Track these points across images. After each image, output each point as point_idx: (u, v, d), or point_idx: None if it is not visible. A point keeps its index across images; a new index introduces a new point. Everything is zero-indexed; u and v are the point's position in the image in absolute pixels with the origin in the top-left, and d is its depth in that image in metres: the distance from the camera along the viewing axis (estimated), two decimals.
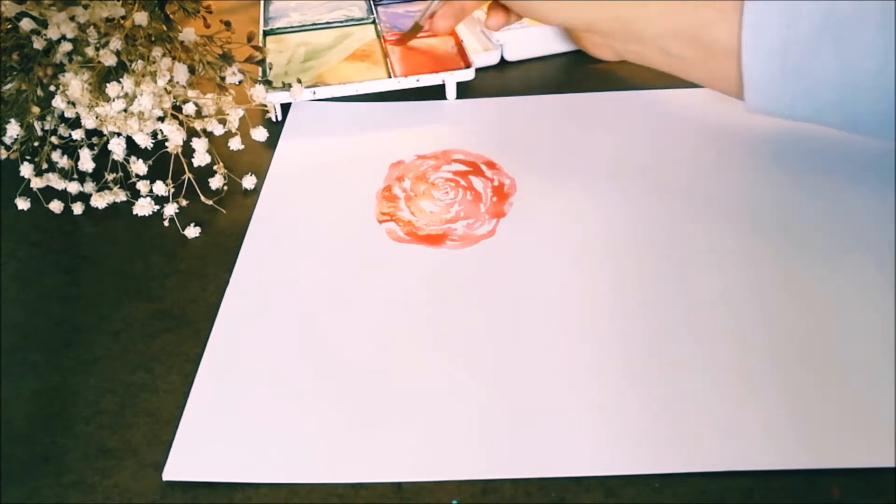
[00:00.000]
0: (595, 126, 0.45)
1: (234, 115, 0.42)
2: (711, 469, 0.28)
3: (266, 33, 0.54)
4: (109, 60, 0.39)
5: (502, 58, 0.53)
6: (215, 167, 0.42)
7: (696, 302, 0.34)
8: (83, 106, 0.40)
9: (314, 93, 0.47)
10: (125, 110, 0.39)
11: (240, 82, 0.44)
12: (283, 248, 0.38)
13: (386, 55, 0.51)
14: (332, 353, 0.33)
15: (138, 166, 0.41)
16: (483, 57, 0.52)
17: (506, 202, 0.40)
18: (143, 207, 0.41)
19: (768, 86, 0.37)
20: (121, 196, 0.42)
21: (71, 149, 0.42)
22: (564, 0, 0.41)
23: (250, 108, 0.44)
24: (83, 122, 0.40)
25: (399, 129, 0.47)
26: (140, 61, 0.40)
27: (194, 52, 0.44)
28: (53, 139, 0.42)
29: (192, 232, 0.40)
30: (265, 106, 0.44)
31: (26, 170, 0.41)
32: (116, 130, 0.40)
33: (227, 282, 0.37)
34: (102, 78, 0.40)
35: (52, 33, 0.40)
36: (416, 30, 0.49)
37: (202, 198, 0.41)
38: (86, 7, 0.41)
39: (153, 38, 0.43)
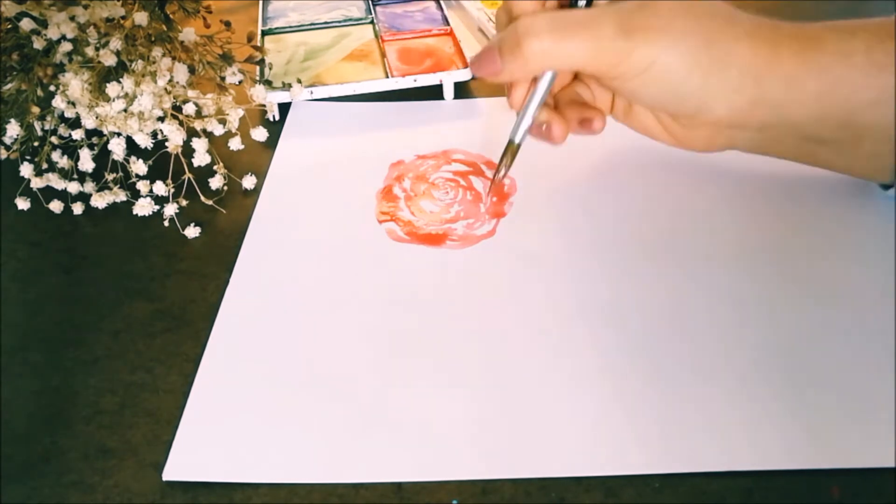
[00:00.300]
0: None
1: (234, 115, 0.42)
2: (711, 469, 0.28)
3: (264, 33, 0.54)
4: (109, 60, 0.39)
5: None
6: (215, 167, 0.42)
7: (696, 301, 0.34)
8: (83, 106, 0.40)
9: (311, 93, 0.47)
10: (125, 110, 0.39)
11: (240, 82, 0.44)
12: (283, 248, 0.38)
13: (384, 55, 0.51)
14: (331, 353, 0.33)
15: (138, 166, 0.41)
16: None
17: (506, 202, 0.40)
18: (143, 207, 0.41)
19: None
20: (121, 196, 0.42)
21: (71, 149, 0.42)
22: (705, 87, 0.33)
23: (250, 108, 0.44)
24: (83, 122, 0.40)
25: (399, 129, 0.47)
26: (140, 61, 0.40)
27: (194, 52, 0.44)
28: (53, 139, 0.42)
29: (192, 232, 0.40)
30: (265, 106, 0.44)
31: (26, 170, 0.41)
32: (116, 130, 0.40)
33: (227, 282, 0.37)
34: (102, 78, 0.40)
35: (52, 33, 0.40)
36: (513, 152, 0.38)
37: (202, 198, 0.41)
38: (86, 7, 0.41)
39: (153, 38, 0.43)
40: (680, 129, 0.38)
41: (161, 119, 0.40)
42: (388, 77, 0.48)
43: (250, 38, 0.48)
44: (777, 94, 0.33)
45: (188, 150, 0.41)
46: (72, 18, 0.40)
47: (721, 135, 0.37)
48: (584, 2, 0.34)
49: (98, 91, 0.40)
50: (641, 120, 0.39)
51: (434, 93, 0.49)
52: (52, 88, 0.41)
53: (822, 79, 0.33)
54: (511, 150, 0.37)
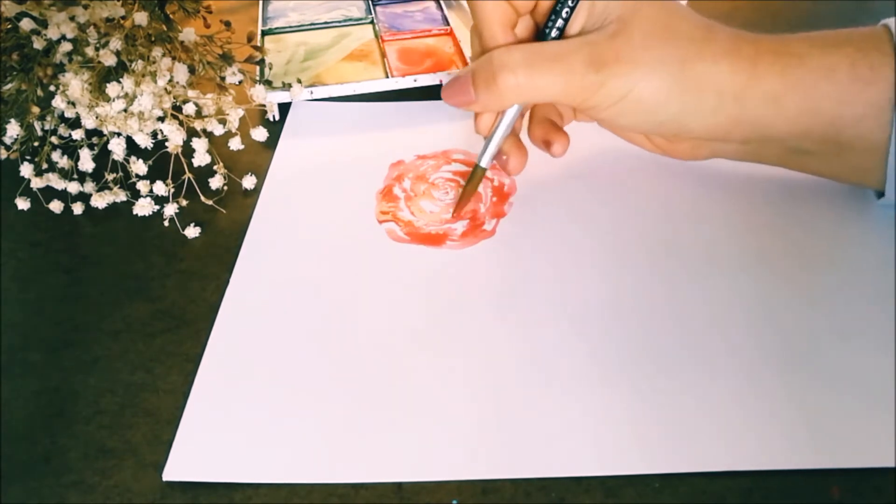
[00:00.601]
0: (596, 125, 0.45)
1: (234, 115, 0.42)
2: (711, 469, 0.28)
3: (264, 33, 0.54)
4: (109, 60, 0.39)
5: None
6: (215, 167, 0.42)
7: (697, 301, 0.34)
8: (83, 106, 0.40)
9: (311, 93, 0.47)
10: (125, 110, 0.39)
11: (240, 82, 0.44)
12: (284, 248, 0.38)
13: (384, 55, 0.51)
14: (331, 353, 0.33)
15: (138, 166, 0.41)
16: None
17: (506, 202, 0.40)
18: (143, 207, 0.41)
19: None
20: (121, 196, 0.42)
21: (71, 149, 0.42)
22: (683, 111, 0.33)
23: (250, 108, 0.44)
24: (83, 122, 0.40)
25: (399, 129, 0.47)
26: (140, 61, 0.40)
27: (194, 52, 0.44)
28: (53, 139, 0.42)
29: (192, 232, 0.40)
30: (265, 106, 0.44)
31: (26, 170, 0.41)
32: (116, 130, 0.40)
33: (227, 282, 0.37)
34: (102, 78, 0.40)
35: (52, 33, 0.40)
36: (479, 177, 0.39)
37: (202, 198, 0.41)
38: (86, 7, 0.41)
39: (153, 38, 0.43)
40: (663, 142, 0.39)
41: (161, 119, 0.40)
42: (388, 77, 0.48)
43: (250, 38, 0.48)
44: (758, 111, 0.33)
45: (188, 150, 0.41)
46: (72, 18, 0.40)
47: (704, 147, 0.38)
48: (557, 32, 0.34)
49: (98, 91, 0.40)
50: (625, 133, 0.40)
51: (434, 93, 0.49)
52: (52, 88, 0.41)
53: (805, 95, 0.33)
54: (478, 174, 0.38)
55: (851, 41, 0.33)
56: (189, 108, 0.41)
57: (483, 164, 0.38)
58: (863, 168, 0.35)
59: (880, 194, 0.36)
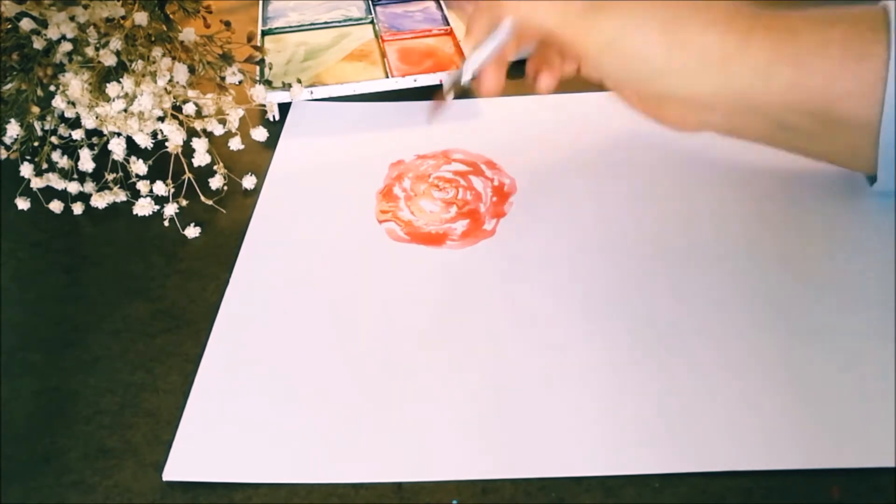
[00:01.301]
0: (596, 125, 0.45)
1: (234, 115, 0.42)
2: (711, 469, 0.28)
3: (264, 33, 0.54)
4: (109, 60, 0.39)
5: None
6: (215, 167, 0.42)
7: (696, 302, 0.34)
8: (83, 106, 0.40)
9: (311, 93, 0.47)
10: (125, 110, 0.39)
11: (240, 82, 0.44)
12: (283, 248, 0.38)
13: (384, 55, 0.51)
14: (331, 353, 0.33)
15: (138, 166, 0.41)
16: None
17: (506, 202, 0.40)
18: (143, 207, 0.41)
19: None
20: (121, 196, 0.42)
21: (71, 149, 0.42)
22: (666, 69, 0.34)
23: (250, 108, 0.44)
24: (83, 122, 0.40)
25: (399, 129, 0.47)
26: (140, 61, 0.40)
27: (194, 52, 0.44)
28: (53, 139, 0.42)
29: (192, 232, 0.40)
30: (265, 106, 0.44)
31: (26, 170, 0.41)
32: (116, 130, 0.40)
33: (227, 282, 0.37)
34: (102, 78, 0.40)
35: (52, 33, 0.40)
36: (453, 84, 0.39)
37: (202, 198, 0.41)
38: (86, 7, 0.41)
39: (153, 38, 0.43)
40: (653, 106, 0.39)
41: (161, 119, 0.40)
42: (388, 77, 0.48)
43: (250, 38, 0.48)
44: (744, 81, 0.34)
45: (188, 150, 0.41)
46: (72, 18, 0.41)
47: (692, 115, 0.38)
48: None
49: (98, 91, 0.40)
50: (617, 88, 0.40)
51: (433, 93, 0.49)
52: (52, 88, 0.41)
53: (795, 69, 0.33)
54: (454, 79, 0.38)
55: (846, 19, 0.33)
56: (189, 108, 0.41)
57: (463, 81, 0.38)
58: (853, 149, 0.35)
59: (873, 180, 0.36)
